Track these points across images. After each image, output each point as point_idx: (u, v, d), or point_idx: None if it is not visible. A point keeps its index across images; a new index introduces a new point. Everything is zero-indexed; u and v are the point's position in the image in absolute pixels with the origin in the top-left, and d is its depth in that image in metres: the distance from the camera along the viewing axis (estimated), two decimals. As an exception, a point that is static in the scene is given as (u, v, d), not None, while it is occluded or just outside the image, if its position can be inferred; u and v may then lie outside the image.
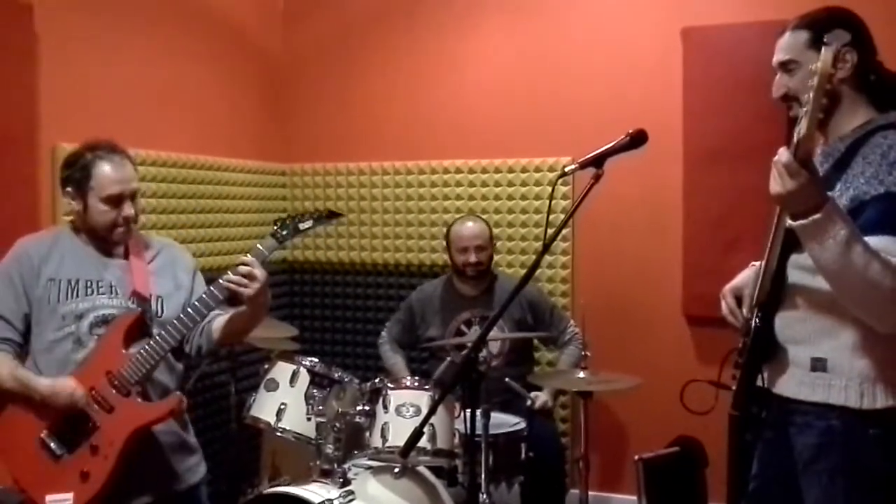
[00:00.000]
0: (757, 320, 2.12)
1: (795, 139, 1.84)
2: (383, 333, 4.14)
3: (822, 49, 1.80)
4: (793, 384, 2.10)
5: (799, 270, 2.06)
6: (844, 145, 2.04)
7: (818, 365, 2.05)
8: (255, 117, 4.68)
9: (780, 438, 2.17)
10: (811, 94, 1.80)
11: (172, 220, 3.94)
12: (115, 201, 2.56)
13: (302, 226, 2.63)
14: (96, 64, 3.54)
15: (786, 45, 2.12)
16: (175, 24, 4.02)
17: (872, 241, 1.87)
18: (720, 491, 3.42)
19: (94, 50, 3.53)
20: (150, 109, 3.83)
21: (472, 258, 3.84)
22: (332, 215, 2.70)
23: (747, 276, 2.26)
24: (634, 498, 3.41)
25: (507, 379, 3.57)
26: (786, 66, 2.12)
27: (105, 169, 2.55)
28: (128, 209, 2.59)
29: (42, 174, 3.28)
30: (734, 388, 2.19)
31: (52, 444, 2.49)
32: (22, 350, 2.59)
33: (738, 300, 2.24)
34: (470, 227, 3.91)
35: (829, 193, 1.91)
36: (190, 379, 2.83)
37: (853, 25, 2.05)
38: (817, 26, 2.06)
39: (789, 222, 1.91)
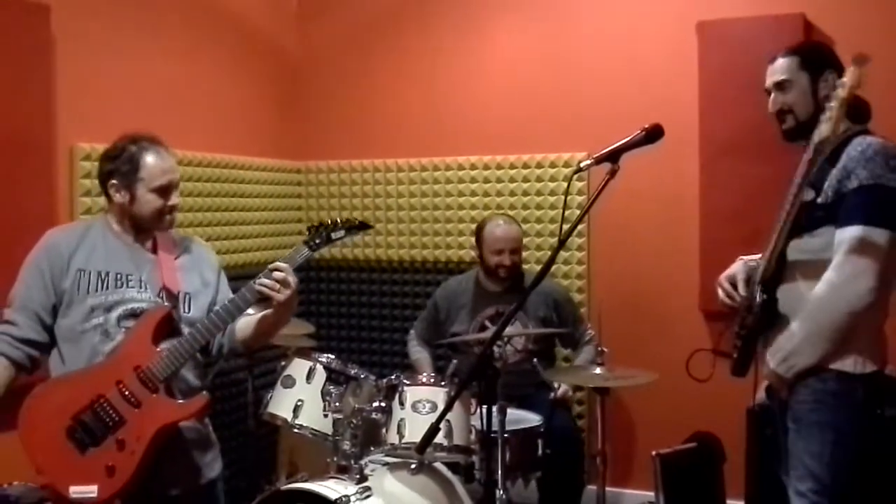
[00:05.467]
0: (764, 295, 2.45)
1: (816, 139, 2.27)
2: (411, 332, 4.17)
3: (853, 67, 2.18)
4: None
5: (798, 252, 2.42)
6: (831, 146, 2.36)
7: None
8: (270, 115, 4.69)
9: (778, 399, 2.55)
10: (836, 104, 2.19)
11: (189, 217, 3.96)
12: (164, 191, 2.59)
13: (334, 235, 2.64)
14: (113, 64, 3.56)
15: (780, 68, 2.53)
16: (190, 24, 4.04)
17: (849, 230, 2.32)
18: (738, 487, 3.40)
19: (110, 50, 3.55)
20: (167, 109, 3.85)
21: (507, 261, 3.84)
22: (362, 226, 2.71)
23: (738, 267, 2.64)
24: (652, 494, 3.39)
25: (534, 360, 3.58)
26: (781, 86, 2.52)
27: (153, 159, 2.58)
28: (174, 198, 2.63)
29: (60, 174, 3.31)
30: (735, 355, 2.55)
31: (78, 436, 2.48)
32: (42, 350, 2.60)
33: (733, 286, 2.61)
34: (505, 229, 3.89)
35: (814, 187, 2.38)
36: (208, 376, 2.85)
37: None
38: (806, 52, 2.55)
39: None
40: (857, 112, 2.47)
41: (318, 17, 4.86)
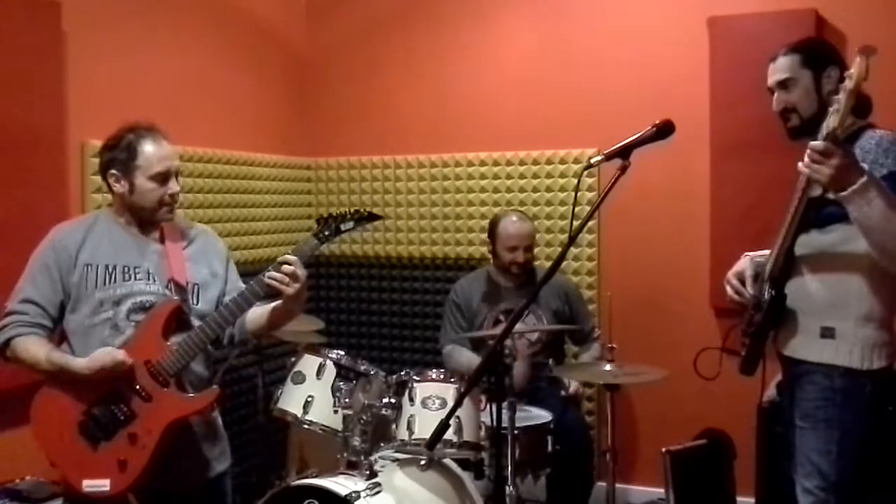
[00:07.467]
0: (772, 291, 2.46)
1: (825, 132, 2.17)
2: (442, 343, 4.00)
3: (858, 57, 2.09)
4: (802, 347, 2.47)
5: (806, 247, 2.43)
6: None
7: (827, 333, 2.41)
8: (280, 112, 4.70)
9: (787, 395, 2.54)
10: (845, 95, 2.11)
11: (199, 214, 3.97)
12: (162, 178, 2.59)
13: (343, 226, 2.62)
14: (123, 61, 3.56)
15: (782, 67, 2.51)
16: (201, 20, 4.05)
17: None
18: (748, 484, 3.40)
19: (120, 47, 3.56)
20: (177, 105, 3.86)
21: (521, 258, 3.82)
22: (371, 217, 2.67)
23: (745, 263, 2.64)
24: (662, 490, 3.39)
25: (549, 360, 3.56)
26: (784, 84, 2.50)
27: (150, 147, 2.59)
28: (173, 186, 2.63)
29: (71, 171, 3.32)
30: (743, 353, 2.56)
31: (90, 431, 2.49)
32: (53, 336, 2.59)
33: (741, 283, 2.61)
34: (519, 226, 3.87)
35: None
36: (218, 372, 2.85)
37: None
38: (807, 49, 2.52)
39: (840, 194, 2.18)
40: (860, 106, 2.45)
41: (327, 13, 4.86)
